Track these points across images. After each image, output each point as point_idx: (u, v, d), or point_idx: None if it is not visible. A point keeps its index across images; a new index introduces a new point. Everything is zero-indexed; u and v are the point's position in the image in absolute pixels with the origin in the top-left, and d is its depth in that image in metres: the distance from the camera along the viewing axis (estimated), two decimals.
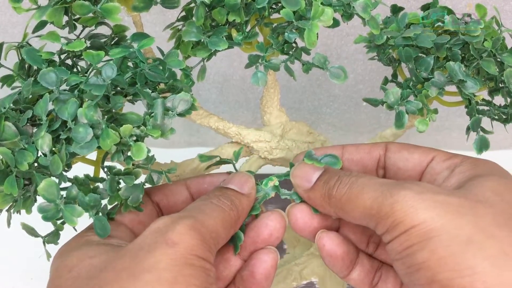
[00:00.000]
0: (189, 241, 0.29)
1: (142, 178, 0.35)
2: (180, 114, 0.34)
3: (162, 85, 0.36)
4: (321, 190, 0.34)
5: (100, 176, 0.36)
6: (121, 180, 0.34)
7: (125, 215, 0.35)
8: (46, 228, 0.35)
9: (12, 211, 0.34)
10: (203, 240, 0.30)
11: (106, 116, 0.32)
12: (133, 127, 0.32)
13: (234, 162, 0.40)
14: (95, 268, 0.29)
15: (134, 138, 0.32)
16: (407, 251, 0.28)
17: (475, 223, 0.26)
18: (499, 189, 0.29)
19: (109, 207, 0.35)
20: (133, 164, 0.34)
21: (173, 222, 0.30)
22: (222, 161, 0.40)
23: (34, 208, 0.33)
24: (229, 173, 0.39)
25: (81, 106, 0.31)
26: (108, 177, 0.34)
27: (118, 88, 0.33)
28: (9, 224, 0.35)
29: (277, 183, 0.38)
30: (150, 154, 0.34)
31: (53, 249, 0.36)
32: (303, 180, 0.36)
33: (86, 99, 0.32)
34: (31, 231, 0.36)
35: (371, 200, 0.30)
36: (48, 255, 0.35)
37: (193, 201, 0.35)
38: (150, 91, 0.34)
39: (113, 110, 0.33)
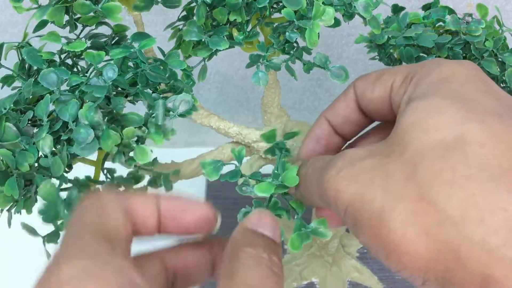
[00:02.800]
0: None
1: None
2: (181, 115, 0.33)
3: (163, 86, 0.36)
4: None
5: (101, 179, 0.36)
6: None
7: None
8: (46, 227, 0.35)
9: (13, 211, 0.34)
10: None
11: (107, 117, 0.32)
12: (135, 128, 0.32)
13: (238, 165, 0.39)
14: None
15: (136, 138, 0.32)
16: (355, 236, 0.25)
17: (385, 186, 0.23)
18: (417, 122, 0.24)
19: None
20: (135, 166, 0.34)
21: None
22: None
23: (34, 207, 0.33)
24: None
25: (82, 106, 0.31)
26: (108, 180, 0.34)
27: (119, 89, 0.33)
28: (9, 224, 0.35)
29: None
30: (152, 156, 0.34)
31: (53, 248, 0.36)
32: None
33: (87, 100, 0.32)
34: (31, 231, 0.36)
35: (312, 192, 0.28)
36: (48, 255, 0.35)
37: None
38: (151, 91, 0.34)
39: (114, 111, 0.33)
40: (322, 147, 0.34)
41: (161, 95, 0.34)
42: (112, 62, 0.33)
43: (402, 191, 0.23)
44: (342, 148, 0.35)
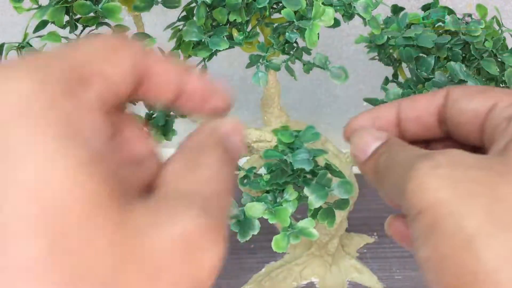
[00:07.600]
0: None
1: None
2: (182, 116, 0.34)
3: None
4: (371, 165, 0.27)
5: None
6: None
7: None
8: None
9: None
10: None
11: None
12: None
13: None
14: None
15: None
16: (416, 243, 0.22)
17: (489, 208, 0.21)
18: None
19: None
20: None
21: None
22: None
23: None
24: None
25: None
26: None
27: None
28: None
29: None
30: None
31: None
32: (360, 151, 0.28)
33: None
34: None
35: (396, 176, 0.24)
36: None
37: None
38: None
39: None
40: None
41: None
42: None
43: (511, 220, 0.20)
44: None
